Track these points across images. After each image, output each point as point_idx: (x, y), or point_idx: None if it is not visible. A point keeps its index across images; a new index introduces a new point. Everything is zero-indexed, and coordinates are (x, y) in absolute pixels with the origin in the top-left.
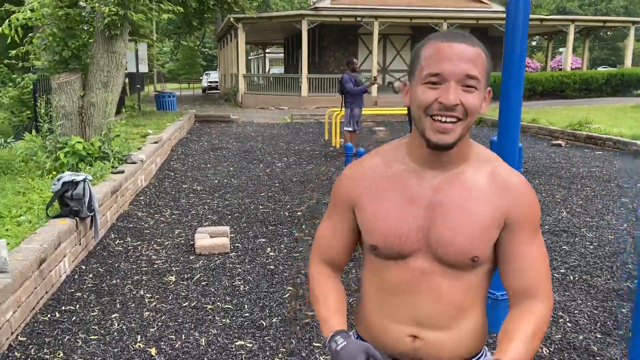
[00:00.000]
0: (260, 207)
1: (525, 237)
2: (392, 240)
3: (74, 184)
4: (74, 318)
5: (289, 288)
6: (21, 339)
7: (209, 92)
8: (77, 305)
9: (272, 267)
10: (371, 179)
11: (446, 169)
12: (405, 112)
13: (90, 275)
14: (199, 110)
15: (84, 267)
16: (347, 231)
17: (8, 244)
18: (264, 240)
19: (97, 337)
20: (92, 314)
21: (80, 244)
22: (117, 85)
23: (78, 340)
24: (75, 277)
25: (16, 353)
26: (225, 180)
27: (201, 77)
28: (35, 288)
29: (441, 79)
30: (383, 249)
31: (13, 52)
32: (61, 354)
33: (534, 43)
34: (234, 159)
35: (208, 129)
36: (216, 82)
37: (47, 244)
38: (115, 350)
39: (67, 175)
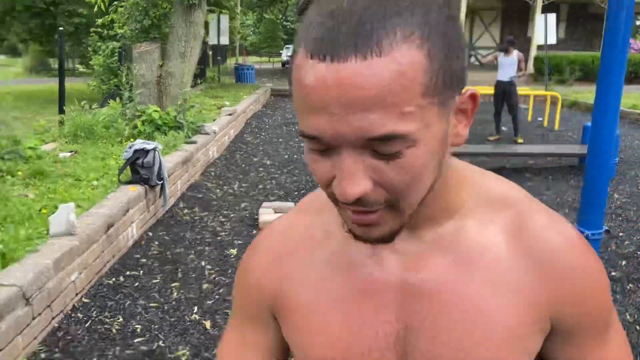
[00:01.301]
0: None
1: (589, 344)
2: None
3: (144, 152)
4: (137, 284)
5: None
6: (85, 300)
7: (288, 66)
8: (141, 272)
9: None
10: (293, 269)
11: (426, 230)
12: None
13: (157, 243)
14: (276, 84)
15: (151, 234)
16: (265, 352)
17: (79, 206)
18: None
19: (156, 305)
20: (154, 281)
21: (148, 211)
22: (193, 56)
23: (138, 306)
24: (142, 243)
25: (79, 314)
26: (295, 156)
27: (281, 51)
28: (102, 252)
29: (326, 145)
30: None
31: (100, 21)
32: (120, 319)
33: (638, 22)
34: None
35: (283, 103)
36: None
37: (117, 209)
38: (172, 320)
39: (139, 143)
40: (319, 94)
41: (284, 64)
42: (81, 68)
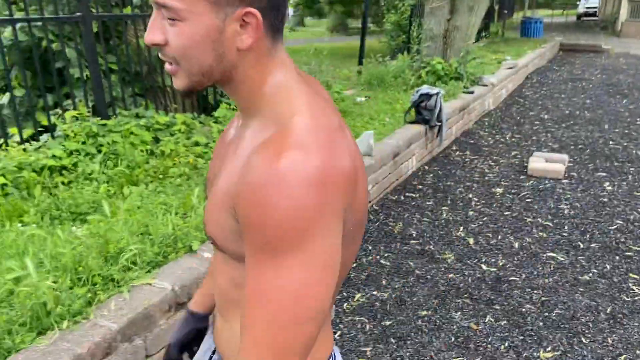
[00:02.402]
0: (611, 142)
1: (252, 254)
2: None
3: (428, 96)
4: (413, 203)
5: (618, 222)
6: (375, 207)
7: (585, 19)
8: (417, 195)
9: (605, 199)
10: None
11: (244, 117)
12: None
13: (431, 175)
14: (567, 38)
15: (426, 167)
16: None
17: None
18: (604, 174)
19: (428, 220)
20: (427, 203)
21: (426, 148)
22: (480, 10)
23: (414, 218)
24: (419, 173)
25: (370, 216)
26: (577, 112)
27: (578, 2)
28: (389, 174)
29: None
30: None
31: None
32: (401, 225)
33: None
34: (594, 92)
35: (572, 58)
36: (595, 7)
37: (402, 142)
38: (441, 232)
39: (424, 88)
40: None
41: (579, 16)
42: (373, 27)
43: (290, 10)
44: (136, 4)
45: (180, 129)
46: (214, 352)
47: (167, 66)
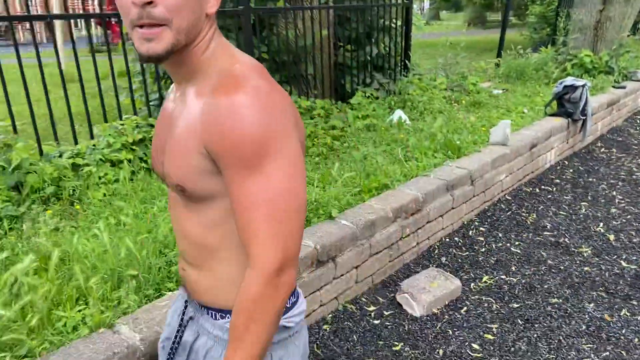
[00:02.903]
0: None
1: (234, 175)
2: (152, 163)
3: (573, 88)
4: (549, 196)
5: None
6: (507, 197)
7: None
8: (554, 189)
9: None
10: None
11: (186, 83)
12: None
13: (570, 170)
14: None
15: (566, 162)
16: None
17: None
18: None
19: (564, 214)
20: (564, 197)
21: (567, 143)
22: (638, 0)
23: (549, 211)
24: (557, 167)
25: (502, 205)
26: None
27: None
28: (525, 165)
29: None
30: None
31: None
32: (534, 216)
33: None
34: None
35: None
36: None
37: (541, 134)
38: (578, 227)
39: (569, 80)
40: None
41: None
42: (513, 20)
43: (426, 4)
44: None
45: (320, 113)
46: (183, 313)
47: (145, 31)
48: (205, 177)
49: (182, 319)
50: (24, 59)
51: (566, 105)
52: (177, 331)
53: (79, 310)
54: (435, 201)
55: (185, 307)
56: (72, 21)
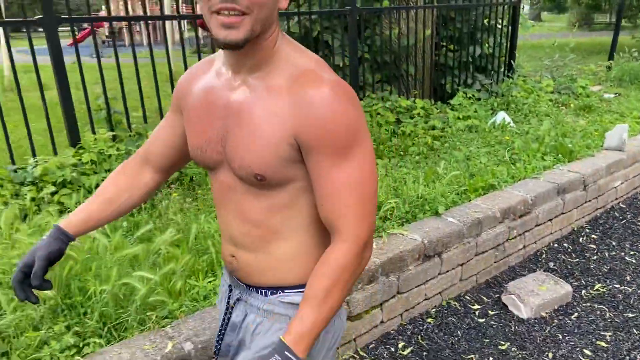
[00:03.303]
0: None
1: (326, 161)
2: (195, 152)
3: None
4: None
5: None
6: (622, 205)
7: None
8: None
9: None
10: (198, 81)
11: (249, 73)
12: None
13: None
14: None
15: None
16: (170, 130)
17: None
18: None
19: None
20: None
21: None
22: None
23: None
24: None
25: (615, 213)
26: None
27: None
28: None
29: None
30: (195, 161)
31: None
32: None
33: None
34: None
35: None
36: None
37: None
38: None
39: None
40: None
41: None
42: (623, 22)
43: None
44: None
45: (419, 112)
46: (229, 297)
47: (225, 19)
48: (287, 166)
49: (228, 303)
50: (126, 60)
51: None
52: (225, 314)
53: (210, 282)
54: (544, 204)
55: (230, 291)
56: (182, 23)
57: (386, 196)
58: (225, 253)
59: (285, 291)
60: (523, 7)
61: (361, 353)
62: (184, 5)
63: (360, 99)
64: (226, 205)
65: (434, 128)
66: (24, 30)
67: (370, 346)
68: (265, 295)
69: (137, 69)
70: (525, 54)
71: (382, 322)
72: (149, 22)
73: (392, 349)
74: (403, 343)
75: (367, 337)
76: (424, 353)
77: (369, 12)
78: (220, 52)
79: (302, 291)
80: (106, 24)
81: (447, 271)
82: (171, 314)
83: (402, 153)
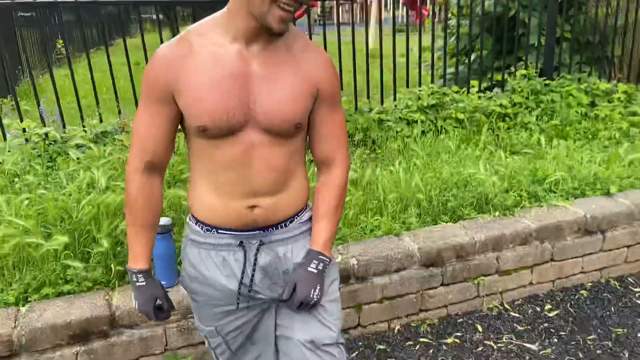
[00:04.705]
0: None
1: (331, 106)
2: (220, 118)
3: None
4: None
5: None
6: None
7: None
8: None
9: None
10: (189, 60)
11: (266, 44)
12: None
13: None
14: None
15: None
16: (166, 121)
17: None
18: None
19: None
20: None
21: None
22: None
23: None
24: None
25: None
26: None
27: None
28: None
29: None
30: (212, 129)
31: None
32: None
33: None
34: None
35: None
36: None
37: None
38: None
39: None
40: None
41: None
42: None
43: None
44: None
45: (620, 97)
46: (245, 252)
47: (284, 16)
48: (308, 114)
49: (245, 256)
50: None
51: None
52: (246, 266)
53: (376, 219)
54: None
55: (243, 247)
56: (382, 3)
57: (554, 170)
58: (247, 206)
59: (299, 215)
60: None
61: (506, 306)
62: None
63: (553, 79)
64: (249, 163)
65: (634, 114)
66: None
67: (516, 302)
68: (286, 225)
69: (339, 47)
70: None
71: (530, 283)
72: (356, 2)
73: (538, 309)
74: (550, 306)
75: (514, 293)
76: (570, 319)
77: None
78: (197, 30)
79: (308, 210)
80: (319, 4)
81: (611, 250)
82: (343, 238)
83: (590, 136)
